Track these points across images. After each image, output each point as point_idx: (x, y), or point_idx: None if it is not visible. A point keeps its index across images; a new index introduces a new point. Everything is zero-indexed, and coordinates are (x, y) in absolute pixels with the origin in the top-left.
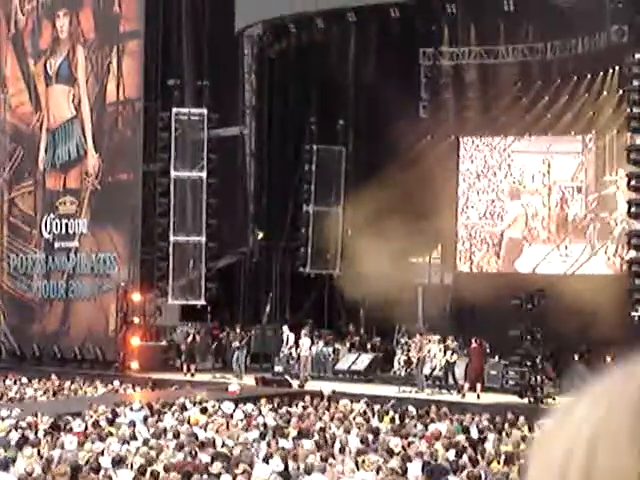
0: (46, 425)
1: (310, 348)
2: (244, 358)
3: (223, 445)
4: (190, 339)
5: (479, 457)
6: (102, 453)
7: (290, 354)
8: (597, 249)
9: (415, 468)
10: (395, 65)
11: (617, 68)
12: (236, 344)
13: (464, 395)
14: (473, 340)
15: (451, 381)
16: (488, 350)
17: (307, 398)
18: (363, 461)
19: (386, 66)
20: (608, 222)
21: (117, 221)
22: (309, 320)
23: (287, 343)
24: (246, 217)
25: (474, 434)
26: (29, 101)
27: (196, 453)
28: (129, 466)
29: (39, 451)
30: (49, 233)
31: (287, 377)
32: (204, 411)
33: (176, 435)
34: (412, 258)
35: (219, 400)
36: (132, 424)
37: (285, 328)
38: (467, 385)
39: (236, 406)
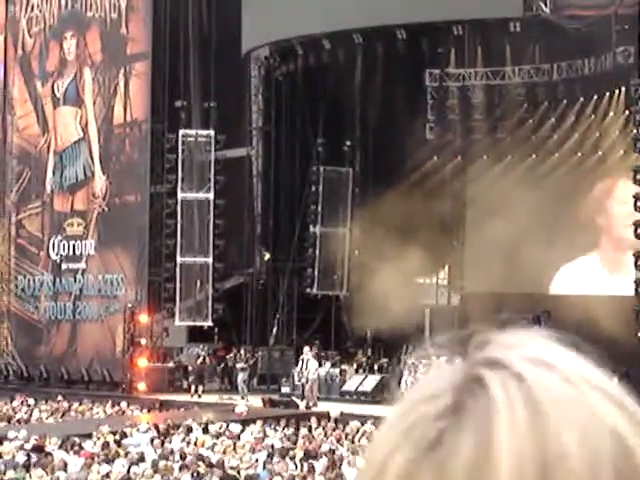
0: (54, 446)
1: (317, 370)
2: (248, 379)
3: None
4: (200, 360)
5: None
6: (108, 475)
7: (293, 375)
8: (605, 270)
9: None
10: (402, 86)
11: (623, 89)
12: (240, 365)
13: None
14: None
15: None
16: None
17: (314, 419)
18: None
19: (392, 87)
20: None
21: (124, 242)
22: (316, 341)
23: (307, 367)
24: (253, 238)
25: None
26: (36, 123)
27: (199, 474)
28: None
29: (47, 473)
30: (56, 255)
31: (294, 398)
32: (208, 432)
33: (183, 456)
34: (419, 279)
35: (226, 421)
36: (139, 446)
37: (306, 350)
38: None
39: (243, 427)
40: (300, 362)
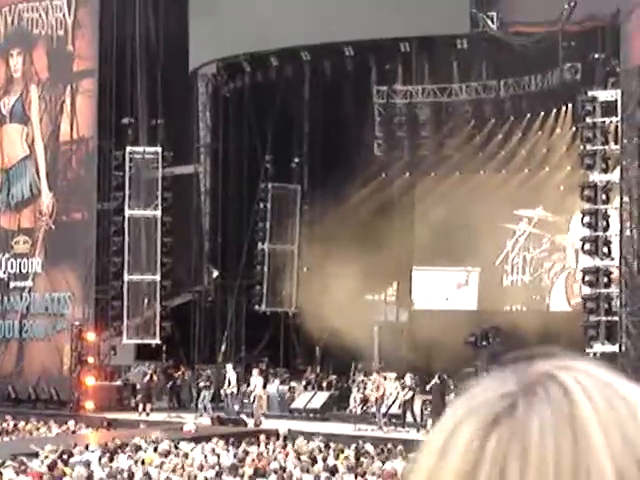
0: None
1: (264, 387)
2: (211, 397)
3: None
4: (147, 378)
5: None
6: None
7: (243, 393)
8: (552, 286)
9: None
10: (349, 103)
11: (570, 105)
12: (203, 384)
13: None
14: (436, 377)
15: (410, 418)
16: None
17: (263, 437)
18: None
19: (340, 104)
20: (563, 258)
21: (71, 260)
22: (264, 359)
23: (230, 383)
24: (201, 255)
25: None
26: None
27: None
28: None
29: None
30: (4, 273)
31: (243, 416)
32: (157, 450)
33: (131, 476)
34: (368, 296)
35: (174, 440)
36: (87, 464)
37: (229, 367)
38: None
39: (192, 446)
40: (228, 378)
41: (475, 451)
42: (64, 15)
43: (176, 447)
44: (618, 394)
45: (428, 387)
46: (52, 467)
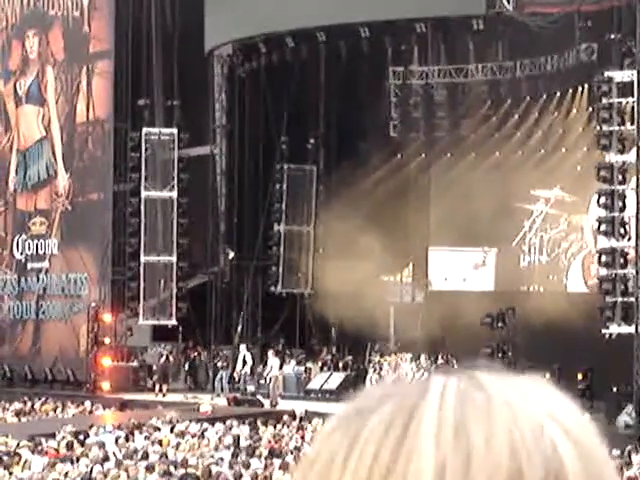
0: (18, 447)
1: (281, 368)
2: (228, 378)
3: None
4: (163, 359)
5: None
6: (72, 474)
7: (259, 374)
8: (570, 266)
9: None
10: (365, 84)
11: (586, 86)
12: (220, 364)
13: None
14: (440, 356)
15: None
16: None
17: (279, 418)
18: None
19: (356, 85)
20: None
21: (88, 241)
22: (280, 340)
23: (245, 364)
24: (217, 237)
25: None
26: None
27: (166, 473)
28: None
29: (10, 473)
30: (21, 254)
31: (259, 397)
32: (173, 431)
33: (146, 456)
34: (384, 277)
35: (191, 420)
36: (103, 445)
37: (242, 348)
38: None
39: (208, 426)
40: (242, 359)
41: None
42: None
43: (192, 428)
44: (520, 389)
45: (433, 368)
46: (69, 447)
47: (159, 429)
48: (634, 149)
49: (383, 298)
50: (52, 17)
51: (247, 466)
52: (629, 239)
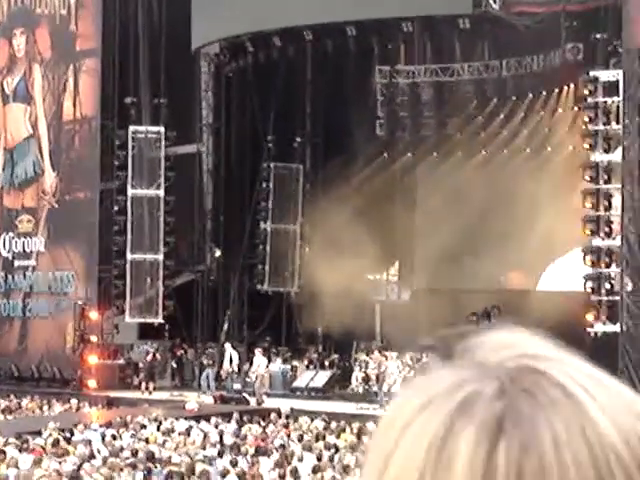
0: (3, 444)
1: (267, 366)
2: (215, 376)
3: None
4: (150, 357)
5: None
6: (59, 472)
7: (245, 372)
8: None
9: None
10: (352, 83)
11: (572, 85)
12: (206, 362)
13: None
14: (425, 355)
15: None
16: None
17: (265, 416)
18: (322, 478)
19: (343, 84)
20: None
21: (74, 239)
22: (266, 338)
23: (231, 362)
24: (203, 235)
25: None
26: None
27: (150, 471)
28: None
29: None
30: (8, 252)
31: (245, 395)
32: (159, 429)
33: (133, 453)
34: (370, 275)
35: (177, 418)
36: (89, 443)
37: (227, 346)
38: None
39: (194, 424)
40: (228, 357)
41: (482, 465)
42: None
43: (178, 425)
44: (612, 391)
45: (417, 366)
46: (55, 445)
47: (145, 427)
48: (619, 148)
49: (369, 296)
50: (39, 15)
51: (233, 464)
52: (614, 238)
